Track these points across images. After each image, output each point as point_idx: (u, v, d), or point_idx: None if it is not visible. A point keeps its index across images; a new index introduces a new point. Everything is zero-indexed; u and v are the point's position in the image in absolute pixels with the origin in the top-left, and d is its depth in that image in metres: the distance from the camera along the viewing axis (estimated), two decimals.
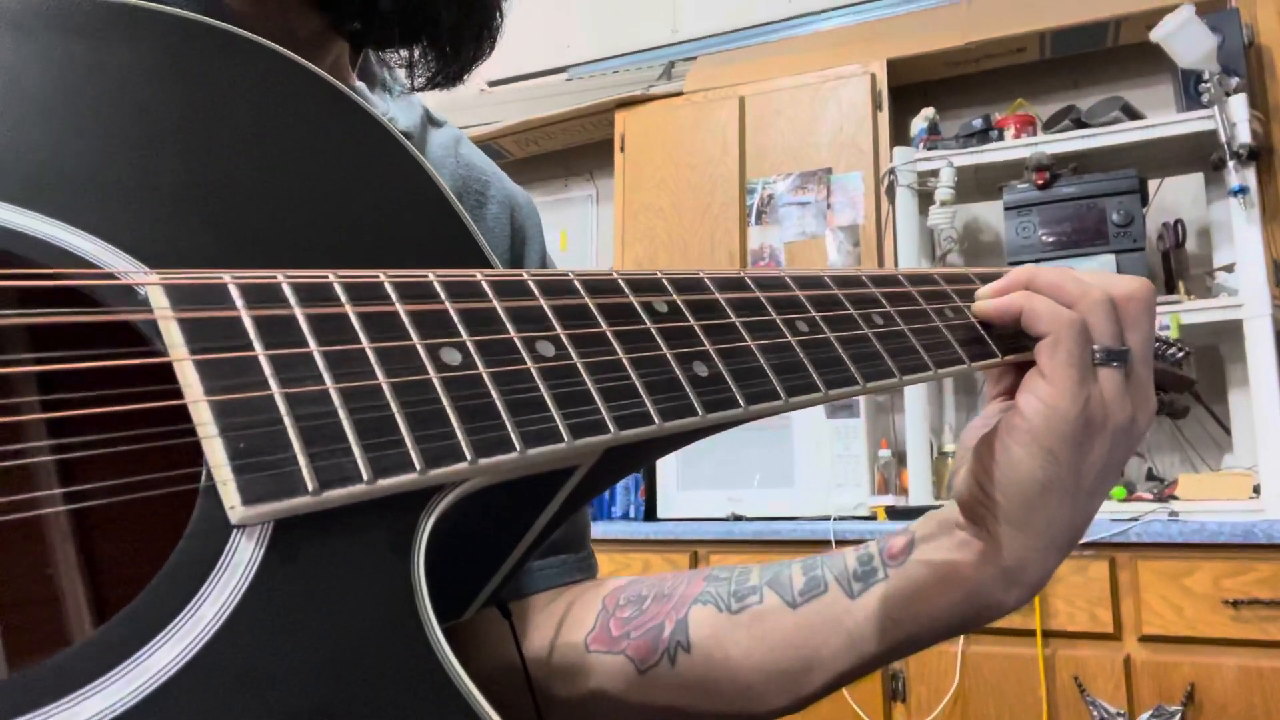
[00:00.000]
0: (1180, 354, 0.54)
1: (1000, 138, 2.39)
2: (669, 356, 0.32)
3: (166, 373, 0.25)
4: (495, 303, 0.31)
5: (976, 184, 2.44)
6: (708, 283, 0.36)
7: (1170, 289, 2.22)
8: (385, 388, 0.27)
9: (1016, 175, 2.33)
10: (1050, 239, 2.24)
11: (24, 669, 0.21)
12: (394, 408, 0.27)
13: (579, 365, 0.30)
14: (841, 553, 0.47)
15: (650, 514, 2.53)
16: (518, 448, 0.28)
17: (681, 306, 0.35)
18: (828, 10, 2.99)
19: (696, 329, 0.34)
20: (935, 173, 2.36)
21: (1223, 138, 2.05)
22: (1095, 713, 1.82)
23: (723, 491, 2.40)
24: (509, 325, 0.30)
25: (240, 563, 0.24)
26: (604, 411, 0.30)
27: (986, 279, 0.45)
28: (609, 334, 0.32)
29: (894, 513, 2.20)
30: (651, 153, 2.92)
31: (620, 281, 0.34)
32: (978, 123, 2.42)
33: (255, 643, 0.23)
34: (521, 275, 0.32)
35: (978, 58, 2.69)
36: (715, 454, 2.43)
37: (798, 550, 2.07)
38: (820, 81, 2.75)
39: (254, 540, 0.24)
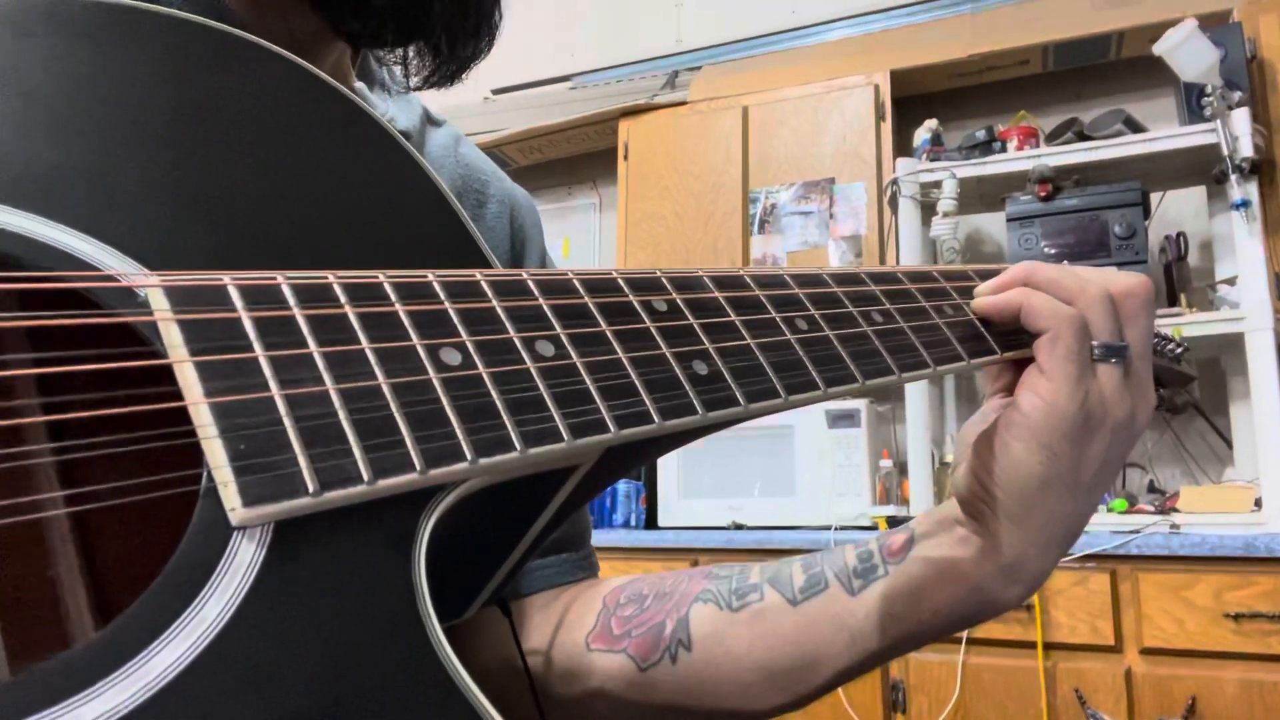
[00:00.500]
0: (1179, 350, 0.54)
1: (1003, 149, 2.39)
2: (668, 355, 0.32)
3: (167, 374, 0.25)
4: (495, 302, 0.30)
5: (979, 195, 2.44)
6: (707, 281, 0.36)
7: (1172, 301, 2.22)
8: (385, 388, 0.27)
9: (1019, 187, 2.33)
10: (1053, 251, 2.24)
11: (25, 671, 0.21)
12: (394, 408, 0.27)
13: (579, 364, 0.30)
14: (841, 550, 0.47)
15: (651, 522, 2.53)
16: (518, 447, 0.28)
17: (681, 305, 0.34)
18: (832, 21, 3.00)
19: (696, 327, 0.34)
20: (938, 184, 2.37)
21: (1225, 151, 2.05)
22: None
23: (724, 500, 2.39)
24: (508, 325, 0.30)
25: (241, 564, 0.24)
26: (604, 411, 0.30)
27: (985, 276, 0.45)
28: (608, 333, 0.32)
29: (895, 523, 2.19)
30: (655, 161, 2.93)
31: (619, 280, 0.34)
32: (981, 134, 2.43)
33: (257, 644, 0.23)
34: (521, 275, 0.32)
35: (981, 70, 2.70)
36: (716, 463, 2.43)
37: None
38: (824, 92, 2.75)
39: (255, 542, 0.24)
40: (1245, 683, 1.74)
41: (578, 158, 3.32)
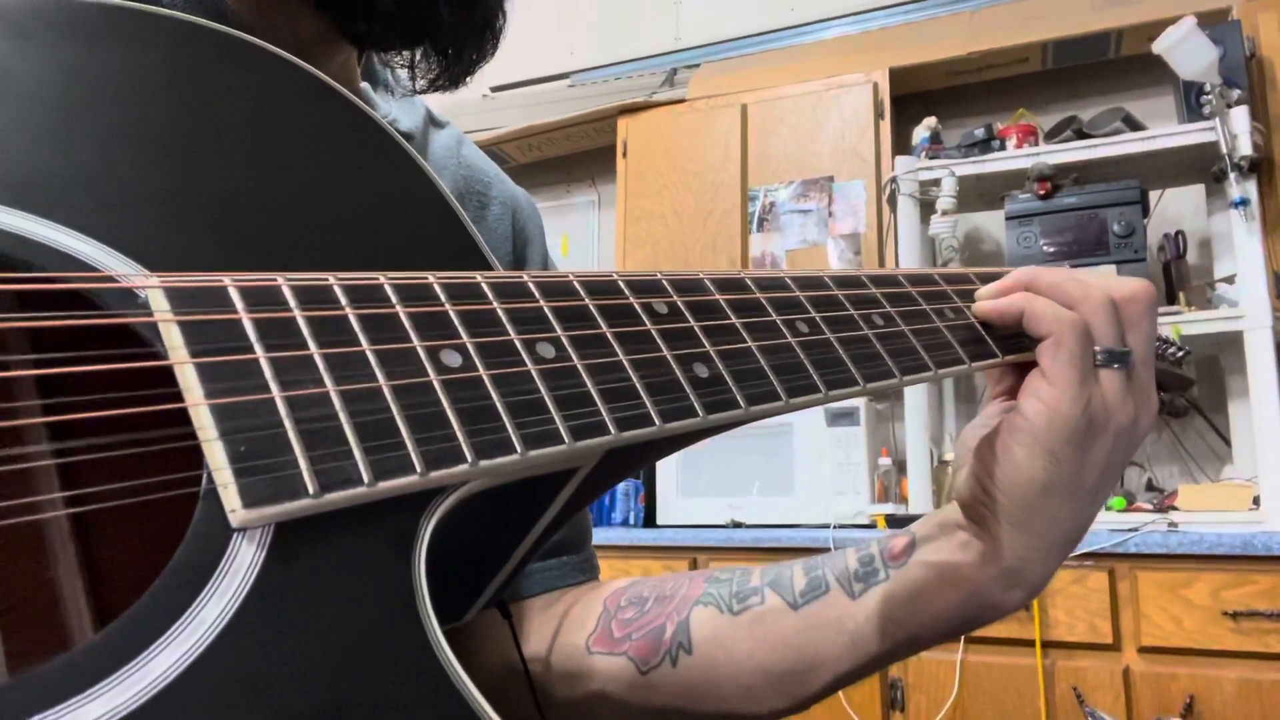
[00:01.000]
0: (1180, 353, 0.54)
1: (1002, 147, 2.39)
2: (669, 358, 0.32)
3: (167, 376, 0.25)
4: (495, 304, 0.30)
5: (978, 193, 2.44)
6: (708, 284, 0.36)
7: (1171, 300, 2.22)
8: (386, 390, 0.27)
9: (1018, 185, 2.33)
10: (1051, 249, 2.24)
11: (25, 673, 0.21)
12: (394, 410, 0.27)
13: (579, 367, 0.30)
14: (842, 553, 0.47)
15: (650, 521, 2.53)
16: (518, 450, 0.27)
17: (681, 307, 0.34)
18: (830, 19, 3.00)
19: (697, 330, 0.34)
20: (937, 182, 2.37)
21: (1224, 149, 2.05)
22: None
23: (723, 499, 2.40)
24: (509, 327, 0.30)
25: (241, 566, 0.24)
26: (604, 413, 0.30)
27: (986, 279, 0.45)
28: (609, 335, 0.32)
29: (894, 521, 2.19)
30: (654, 159, 2.93)
31: (620, 283, 0.34)
32: (980, 132, 2.43)
33: (257, 646, 0.23)
34: (521, 277, 0.32)
35: (980, 68, 2.70)
36: (715, 461, 2.43)
37: (797, 558, 2.07)
38: (823, 90, 2.75)
39: (255, 543, 0.24)
40: (1243, 681, 1.74)
41: (577, 155, 3.32)
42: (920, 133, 2.52)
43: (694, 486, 2.46)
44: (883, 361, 0.38)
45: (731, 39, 3.13)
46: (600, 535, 2.31)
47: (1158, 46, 2.11)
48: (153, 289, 0.26)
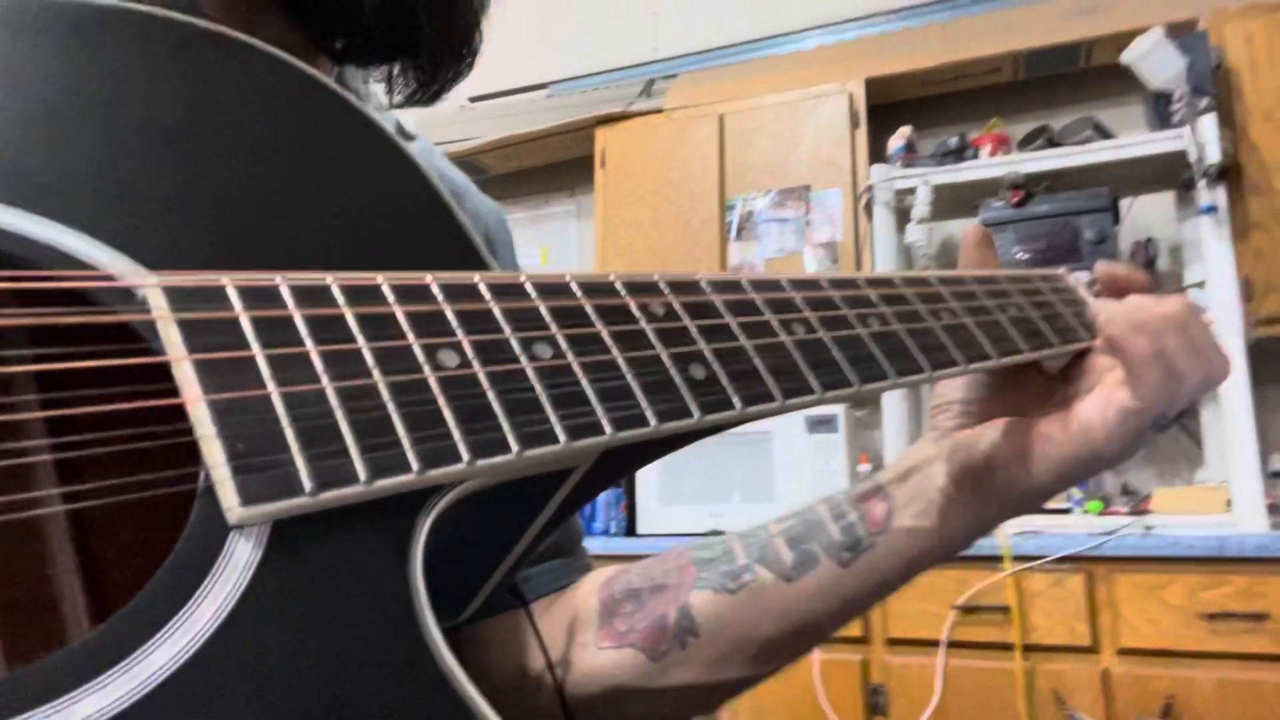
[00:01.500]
0: None
1: (976, 156, 2.42)
2: (665, 358, 0.33)
3: (165, 373, 0.25)
4: (492, 304, 0.31)
5: (953, 201, 2.47)
6: (704, 284, 0.36)
7: None
8: (382, 388, 0.27)
9: (992, 193, 2.36)
10: (1025, 256, 2.27)
11: (21, 668, 0.21)
12: (391, 408, 0.27)
13: (575, 366, 0.30)
14: (819, 519, 0.49)
15: (631, 529, 2.53)
16: (515, 449, 0.28)
17: (677, 308, 0.35)
18: (806, 30, 3.03)
19: (692, 330, 0.34)
20: (912, 190, 2.39)
21: (1193, 157, 2.09)
22: None
23: (704, 506, 2.40)
24: (505, 326, 0.30)
25: (238, 563, 0.24)
26: (601, 413, 0.30)
27: (982, 280, 0.46)
28: (605, 335, 0.32)
29: None
30: (632, 169, 2.94)
31: (617, 283, 0.34)
32: (954, 141, 2.46)
33: (253, 643, 0.23)
34: (519, 277, 0.32)
35: (953, 78, 2.73)
36: (696, 469, 2.44)
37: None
38: (799, 100, 2.78)
39: (252, 540, 0.24)
40: (1221, 682, 1.76)
41: (555, 165, 3.32)
42: (895, 142, 2.54)
43: (675, 495, 2.46)
44: (877, 363, 0.39)
45: (708, 50, 3.16)
46: None
47: (1127, 57, 2.15)
48: (151, 287, 0.26)
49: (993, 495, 0.46)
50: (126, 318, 0.26)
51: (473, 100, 3.37)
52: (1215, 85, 2.22)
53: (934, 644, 1.97)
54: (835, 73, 2.78)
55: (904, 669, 2.00)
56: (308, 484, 0.25)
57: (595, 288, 0.33)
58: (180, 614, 0.23)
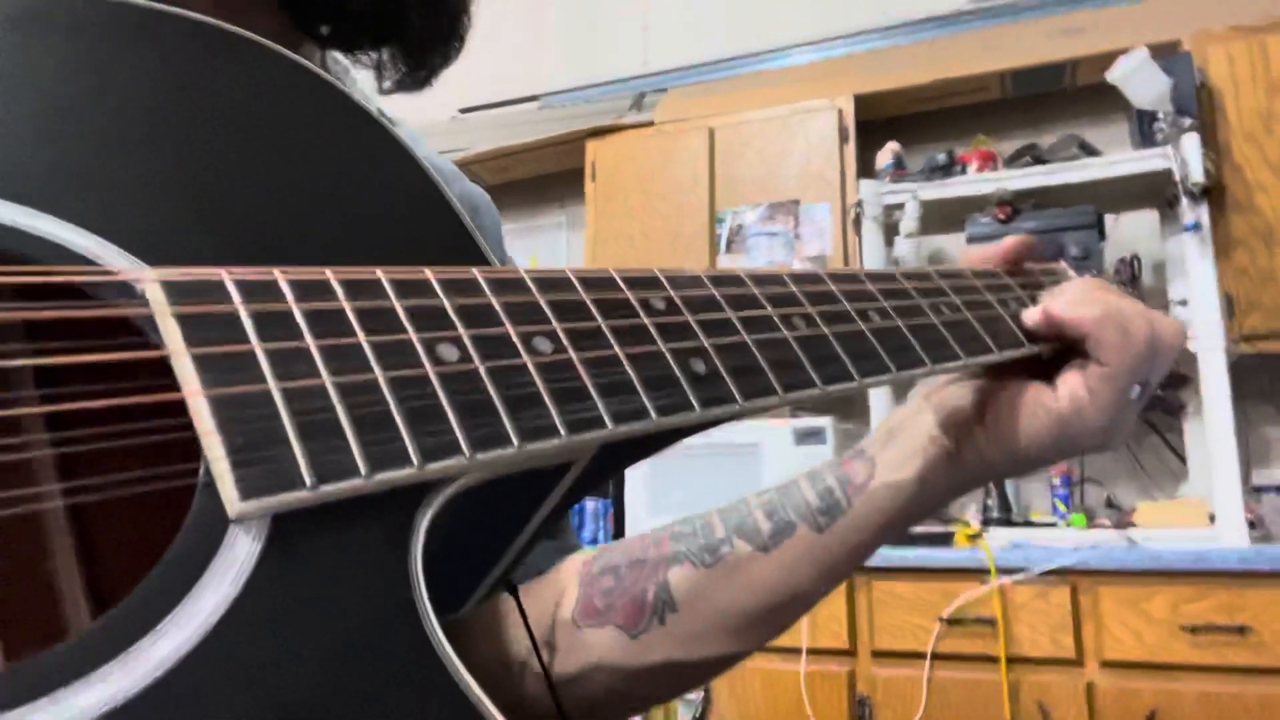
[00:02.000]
0: None
1: (963, 172, 2.44)
2: (665, 352, 0.32)
3: (165, 368, 0.25)
4: (492, 298, 0.31)
5: (941, 216, 2.49)
6: (704, 279, 0.36)
7: None
8: (382, 382, 0.27)
9: (979, 209, 2.38)
10: None
11: (21, 661, 0.21)
12: (391, 402, 0.27)
13: (575, 361, 0.30)
14: (797, 486, 0.49)
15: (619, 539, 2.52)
16: (515, 443, 0.28)
17: (678, 302, 0.35)
18: (796, 46, 3.05)
19: (693, 325, 0.34)
20: (901, 205, 2.41)
21: (1177, 175, 2.12)
22: None
23: None
24: (506, 321, 0.30)
25: (238, 556, 0.24)
26: (600, 407, 0.30)
27: (981, 275, 0.46)
28: (606, 330, 0.32)
29: None
30: (622, 181, 2.95)
31: (617, 278, 0.34)
32: (941, 157, 2.48)
33: (253, 636, 0.23)
34: (518, 271, 0.32)
35: (941, 95, 2.76)
36: (684, 480, 2.43)
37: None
38: (789, 114, 2.80)
39: (252, 534, 0.24)
40: (1203, 694, 1.77)
41: (545, 177, 3.33)
42: (884, 157, 2.56)
43: (663, 505, 2.46)
44: (879, 357, 0.39)
45: (699, 64, 3.17)
46: None
47: (1112, 76, 2.17)
48: (150, 282, 0.26)
49: (978, 449, 0.46)
50: (125, 312, 0.26)
51: (463, 111, 3.37)
52: (1198, 105, 2.25)
53: (920, 656, 1.97)
54: (825, 88, 2.80)
55: (890, 681, 2.00)
56: (308, 477, 0.25)
57: (595, 282, 0.33)
58: (180, 607, 0.23)
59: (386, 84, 0.51)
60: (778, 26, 3.10)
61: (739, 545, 0.48)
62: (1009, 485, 2.38)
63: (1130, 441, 2.46)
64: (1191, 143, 2.13)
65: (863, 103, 2.74)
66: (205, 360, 0.25)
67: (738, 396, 0.33)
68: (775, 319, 0.37)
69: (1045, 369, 0.47)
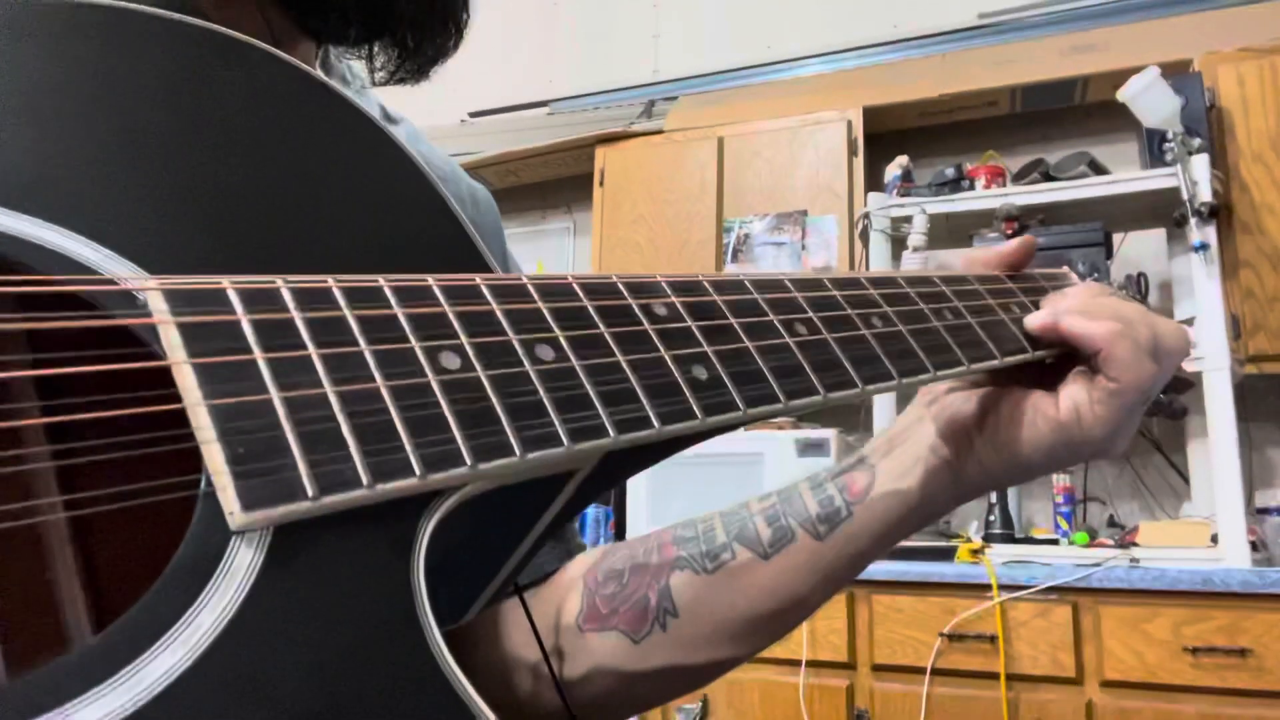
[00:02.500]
0: None
1: (971, 187, 2.44)
2: (668, 359, 0.32)
3: (166, 377, 0.25)
4: (494, 305, 0.30)
5: (948, 231, 2.48)
6: (706, 285, 0.36)
7: None
8: (384, 391, 0.27)
9: (986, 224, 2.38)
10: None
11: (23, 675, 0.21)
12: (393, 412, 0.27)
13: (578, 368, 0.30)
14: (798, 494, 0.49)
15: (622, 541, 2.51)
16: (517, 452, 0.27)
17: (680, 309, 0.34)
18: (806, 57, 3.06)
19: (695, 331, 0.34)
20: (908, 219, 2.41)
21: (1185, 195, 2.11)
22: None
23: None
24: (508, 328, 0.30)
25: (240, 568, 0.24)
26: (603, 415, 0.29)
27: (986, 281, 0.46)
28: (608, 337, 0.31)
29: None
30: (630, 188, 2.95)
31: (619, 284, 0.34)
32: (950, 172, 2.48)
33: (255, 648, 0.23)
34: (520, 278, 0.32)
35: (950, 109, 2.76)
36: (686, 490, 2.43)
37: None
38: (798, 125, 2.80)
39: (253, 545, 0.24)
40: (1203, 716, 1.76)
41: (553, 182, 3.34)
42: (892, 170, 2.56)
43: (664, 515, 2.45)
44: (881, 363, 0.38)
45: (709, 73, 3.18)
46: None
47: (1122, 94, 2.17)
48: (151, 291, 0.26)
49: (978, 458, 0.46)
50: (126, 321, 0.26)
51: (473, 115, 3.38)
52: (1208, 125, 2.25)
53: (920, 671, 1.96)
54: (834, 100, 2.80)
55: (889, 695, 1.99)
56: (309, 488, 0.25)
57: (597, 289, 0.33)
58: (181, 621, 0.23)
59: (379, 75, 0.51)
60: (788, 37, 3.11)
61: (740, 552, 0.48)
62: (1011, 501, 2.37)
63: (1133, 460, 2.46)
64: (1200, 163, 2.13)
65: (872, 115, 2.75)
66: (207, 369, 0.25)
67: (740, 404, 0.33)
68: (777, 325, 0.36)
69: (1047, 372, 0.46)
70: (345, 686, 0.23)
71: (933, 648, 1.96)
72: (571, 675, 0.47)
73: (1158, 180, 2.19)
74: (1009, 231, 2.31)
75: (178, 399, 0.25)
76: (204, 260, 0.29)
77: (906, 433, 0.48)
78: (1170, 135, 2.14)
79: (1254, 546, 1.97)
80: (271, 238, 0.31)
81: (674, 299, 0.35)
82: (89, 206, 0.28)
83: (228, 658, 0.22)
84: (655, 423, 0.30)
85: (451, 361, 0.28)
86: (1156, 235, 2.49)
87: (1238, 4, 2.48)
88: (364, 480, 0.25)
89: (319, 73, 0.35)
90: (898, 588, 2.02)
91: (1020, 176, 2.47)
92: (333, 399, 0.26)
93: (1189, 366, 2.08)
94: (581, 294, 0.32)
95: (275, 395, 0.26)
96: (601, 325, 0.32)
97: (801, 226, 2.73)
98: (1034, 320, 0.45)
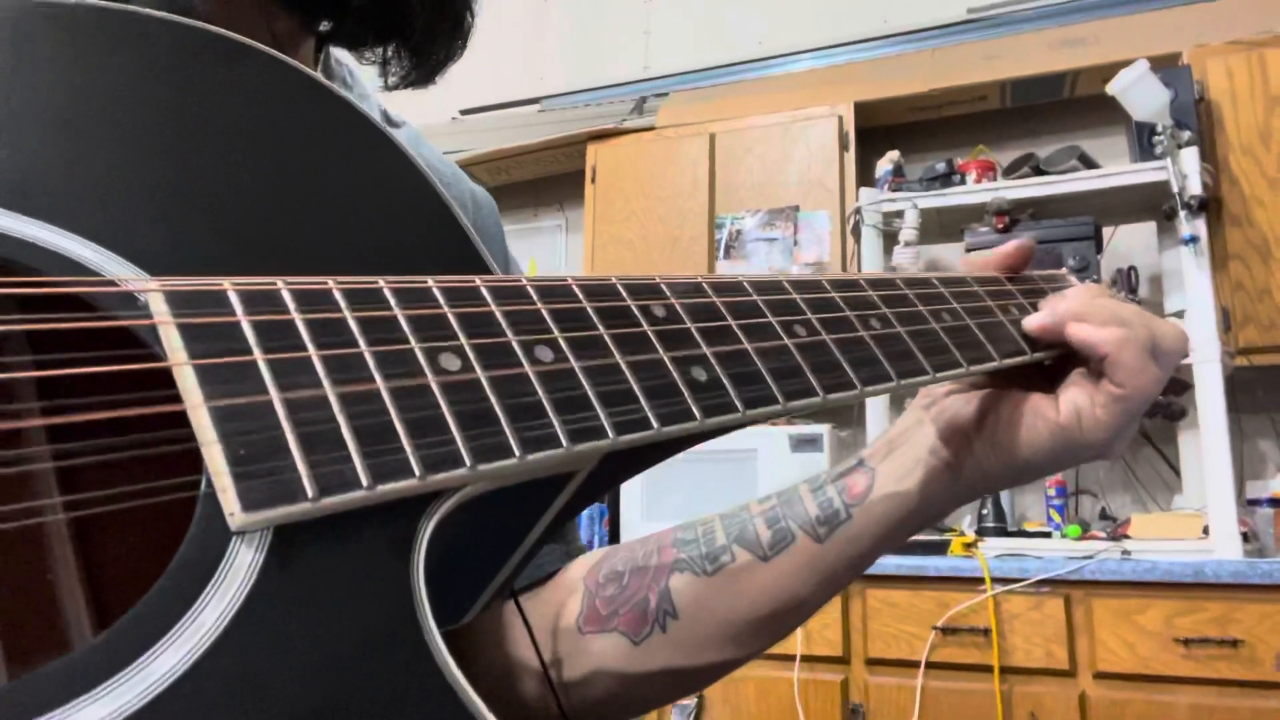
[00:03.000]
0: None
1: (962, 182, 2.45)
2: (667, 361, 0.32)
3: (166, 379, 0.25)
4: (493, 306, 0.30)
5: (939, 225, 2.49)
6: (705, 287, 0.36)
7: None
8: (384, 393, 0.27)
9: (977, 218, 2.39)
10: None
11: (24, 675, 0.21)
12: (393, 413, 0.27)
13: (577, 370, 0.30)
14: (799, 496, 0.49)
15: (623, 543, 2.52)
16: (517, 453, 0.28)
17: (679, 310, 0.34)
18: (797, 53, 3.06)
19: (694, 333, 0.34)
20: (900, 213, 2.41)
21: (1175, 188, 2.12)
22: None
23: None
24: (507, 329, 0.30)
25: (240, 569, 0.24)
26: (603, 417, 0.30)
27: (984, 282, 0.46)
28: (607, 338, 0.32)
29: None
30: (622, 185, 2.95)
31: (618, 285, 0.34)
32: (941, 166, 2.48)
33: (255, 649, 0.23)
34: (519, 280, 0.32)
35: (941, 104, 2.77)
36: (680, 487, 2.43)
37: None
38: (789, 121, 2.80)
39: (254, 546, 0.24)
40: (1196, 707, 1.78)
41: (545, 180, 3.33)
42: (884, 165, 2.57)
43: (658, 511, 2.46)
44: (880, 365, 0.38)
45: (700, 69, 3.18)
46: None
47: (1112, 88, 2.18)
48: (152, 292, 0.26)
49: (977, 460, 0.46)
50: (127, 323, 0.26)
51: (464, 113, 3.38)
52: (1197, 119, 2.26)
53: (914, 664, 1.97)
54: (825, 95, 2.81)
55: (883, 689, 2.00)
56: (310, 489, 0.25)
57: (596, 290, 0.33)
58: (182, 621, 0.23)
59: (391, 80, 0.51)
60: (779, 33, 3.11)
61: (739, 554, 0.48)
62: (1004, 495, 2.38)
63: (1125, 454, 2.47)
64: (1190, 156, 2.14)
65: (863, 111, 2.75)
66: (207, 371, 0.25)
67: (739, 405, 0.33)
68: (775, 326, 0.36)
69: (1046, 373, 0.46)
70: (345, 686, 0.23)
71: (926, 641, 1.97)
72: (572, 677, 0.48)
73: (1147, 174, 2.20)
74: (1000, 226, 2.32)
75: (178, 400, 0.25)
76: (204, 262, 0.29)
77: (906, 435, 0.49)
78: (1160, 128, 2.15)
79: (1245, 538, 1.98)
80: (272, 240, 0.31)
81: (673, 300, 0.35)
82: (89, 208, 0.28)
83: (229, 658, 0.22)
84: (654, 424, 0.30)
85: (451, 363, 0.28)
86: (1146, 228, 2.50)
87: None
88: (364, 481, 0.25)
89: (320, 76, 0.35)
90: (891, 582, 2.03)
91: (1011, 171, 2.48)
92: (333, 400, 0.26)
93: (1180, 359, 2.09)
94: (581, 295, 0.33)
95: (275, 396, 0.26)
96: (601, 326, 0.32)
97: (793, 222, 2.73)
98: (1032, 321, 0.46)
